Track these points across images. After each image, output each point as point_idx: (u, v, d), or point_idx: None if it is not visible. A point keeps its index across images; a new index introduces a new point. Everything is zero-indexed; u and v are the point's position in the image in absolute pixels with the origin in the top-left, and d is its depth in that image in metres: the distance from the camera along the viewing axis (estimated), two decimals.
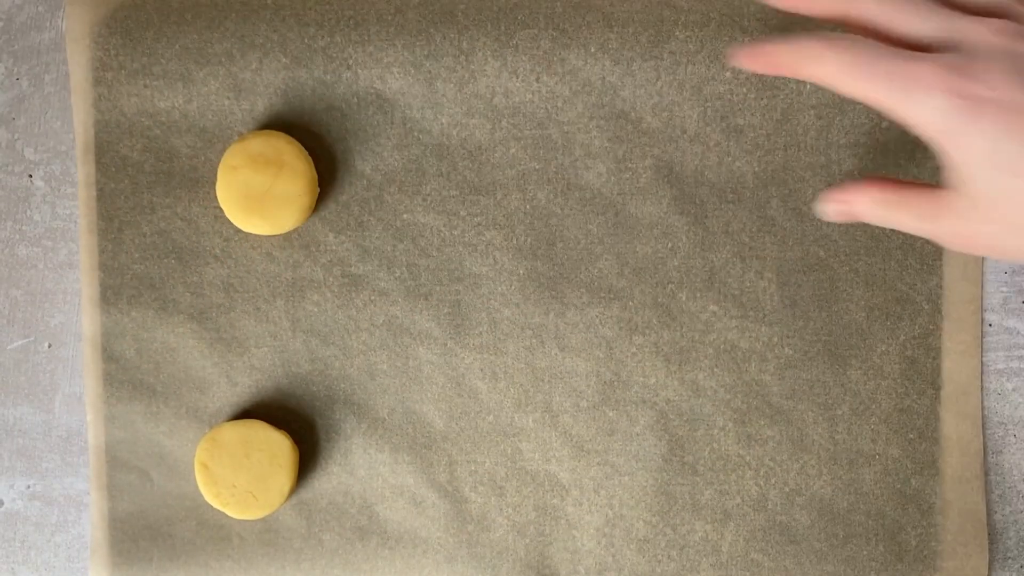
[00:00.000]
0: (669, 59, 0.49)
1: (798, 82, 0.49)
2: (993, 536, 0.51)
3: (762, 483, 0.50)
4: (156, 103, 0.49)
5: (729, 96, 0.49)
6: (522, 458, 0.50)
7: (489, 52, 0.49)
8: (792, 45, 0.37)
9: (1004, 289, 0.50)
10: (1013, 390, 0.51)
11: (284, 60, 0.49)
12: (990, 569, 0.51)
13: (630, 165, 0.49)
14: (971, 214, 0.36)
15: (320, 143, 0.50)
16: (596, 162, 0.49)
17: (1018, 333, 0.51)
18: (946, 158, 0.36)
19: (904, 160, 0.49)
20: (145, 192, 0.50)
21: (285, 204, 0.48)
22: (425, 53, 0.49)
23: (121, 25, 0.49)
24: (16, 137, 0.51)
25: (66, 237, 0.51)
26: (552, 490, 0.50)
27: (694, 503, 0.50)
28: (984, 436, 0.51)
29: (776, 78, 0.49)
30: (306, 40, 0.49)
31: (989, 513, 0.51)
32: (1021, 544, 0.51)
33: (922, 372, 0.50)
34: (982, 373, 0.50)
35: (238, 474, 0.49)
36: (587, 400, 0.50)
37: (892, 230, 0.49)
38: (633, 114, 0.49)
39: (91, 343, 0.50)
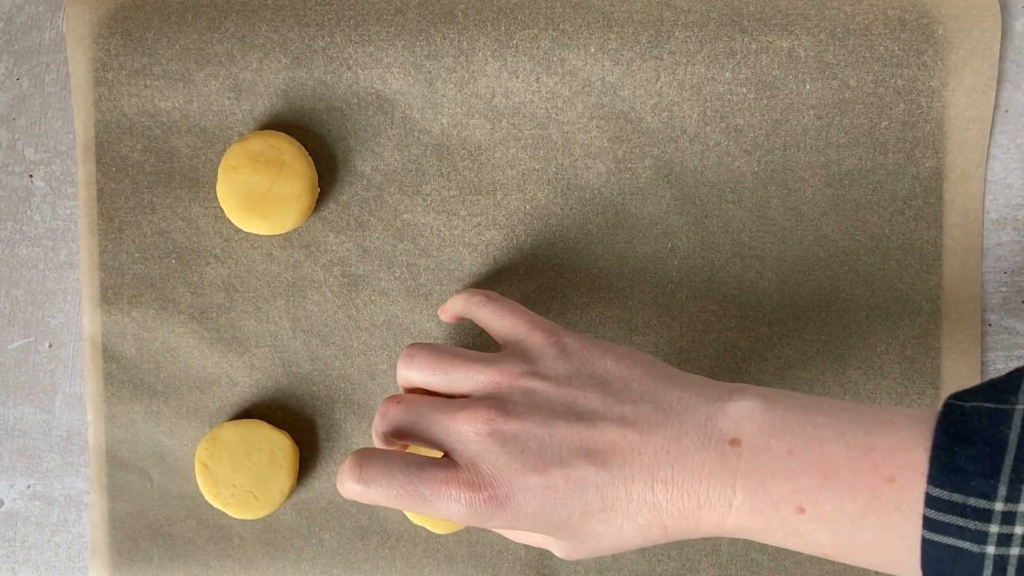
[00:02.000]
0: (669, 59, 0.49)
1: (798, 82, 0.49)
2: None
3: None
4: (157, 103, 0.49)
5: (729, 96, 0.49)
6: None
7: (489, 52, 0.49)
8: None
9: (1004, 289, 0.50)
10: None
11: (284, 60, 0.49)
12: None
13: (630, 165, 0.49)
14: (560, 545, 0.40)
15: (320, 143, 0.50)
16: (596, 162, 0.50)
17: (1018, 333, 0.51)
18: None
19: (903, 160, 0.49)
20: (145, 192, 0.50)
21: (285, 204, 0.48)
22: (425, 53, 0.49)
23: (121, 25, 0.49)
24: (16, 137, 0.51)
25: (66, 237, 0.51)
26: None
27: None
28: None
29: (775, 78, 0.49)
30: (306, 40, 0.49)
31: None
32: None
33: (922, 372, 0.50)
34: (982, 373, 0.50)
35: (238, 474, 0.49)
36: None
37: (892, 229, 0.49)
38: (633, 114, 0.49)
39: (91, 343, 0.50)
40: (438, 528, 0.49)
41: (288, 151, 0.48)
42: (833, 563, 0.50)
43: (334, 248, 0.50)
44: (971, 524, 0.32)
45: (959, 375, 0.50)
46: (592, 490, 0.38)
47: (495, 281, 0.50)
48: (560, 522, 0.38)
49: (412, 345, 0.42)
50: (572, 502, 0.38)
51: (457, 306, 0.46)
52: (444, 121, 0.49)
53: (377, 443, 0.42)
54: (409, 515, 0.49)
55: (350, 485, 0.39)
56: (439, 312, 0.48)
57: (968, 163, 0.49)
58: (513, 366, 0.40)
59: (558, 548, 0.40)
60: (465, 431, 0.38)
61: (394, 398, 0.41)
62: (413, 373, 0.42)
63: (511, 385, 0.39)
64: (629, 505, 0.37)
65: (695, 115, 0.49)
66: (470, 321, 0.49)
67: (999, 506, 0.32)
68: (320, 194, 0.50)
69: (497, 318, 0.43)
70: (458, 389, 0.41)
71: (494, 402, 0.39)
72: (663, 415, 0.38)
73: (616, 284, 0.50)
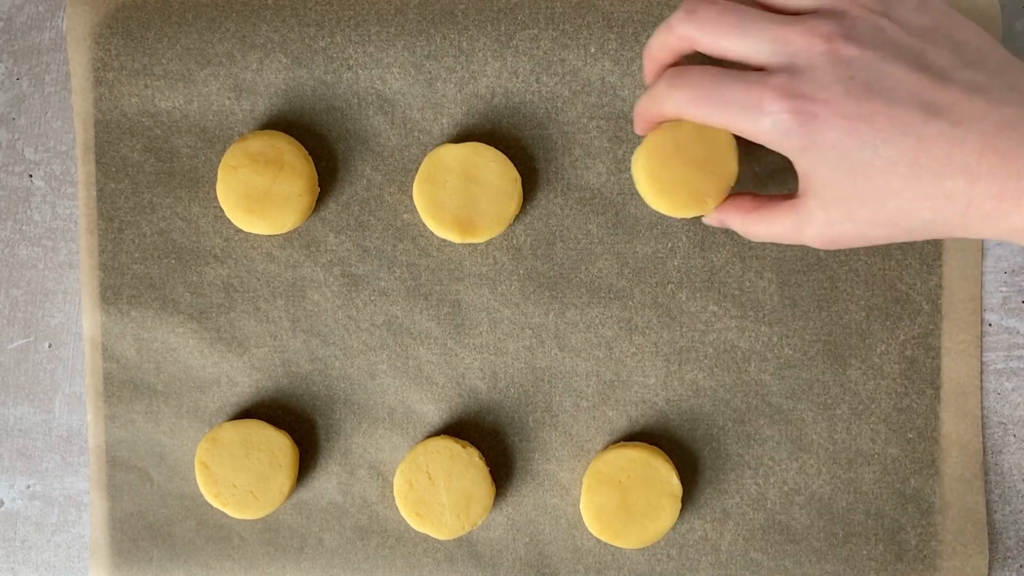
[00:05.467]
0: None
1: None
2: (993, 536, 0.51)
3: (761, 482, 0.50)
4: (157, 103, 0.49)
5: None
6: (522, 457, 0.50)
7: (489, 53, 0.49)
8: (647, 97, 0.39)
9: (1004, 289, 0.50)
10: (1013, 390, 0.51)
11: (285, 60, 0.49)
12: (990, 569, 0.51)
13: (630, 165, 0.49)
14: (828, 217, 0.38)
15: (320, 143, 0.50)
16: (596, 162, 0.50)
17: (1018, 333, 0.51)
18: (797, 168, 0.38)
19: None
20: (145, 192, 0.50)
21: (285, 204, 0.48)
22: (425, 54, 0.49)
23: (122, 25, 0.49)
24: (16, 137, 0.51)
25: (66, 237, 0.51)
26: (552, 489, 0.50)
27: (693, 502, 0.50)
28: (984, 436, 0.51)
29: None
30: (307, 41, 0.49)
31: (989, 513, 0.51)
32: (1021, 544, 0.51)
33: (922, 372, 0.50)
34: (982, 373, 0.50)
35: (238, 474, 0.49)
36: (587, 400, 0.50)
37: None
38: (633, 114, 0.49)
39: (91, 343, 0.50)
40: (440, 533, 0.49)
41: (288, 151, 0.48)
42: (834, 563, 0.50)
43: (334, 248, 0.50)
44: None
45: (959, 375, 0.50)
46: (912, 139, 0.35)
47: (495, 281, 0.50)
48: (855, 164, 0.36)
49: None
50: (883, 144, 0.35)
51: None
52: (444, 121, 0.49)
53: (655, 49, 0.40)
54: (411, 521, 0.49)
55: (661, 88, 0.38)
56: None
57: None
58: (868, 0, 0.37)
59: (821, 219, 0.38)
60: (796, 43, 0.36)
61: None
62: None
63: (859, 16, 0.37)
64: (946, 166, 0.35)
65: None
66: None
67: None
68: (320, 194, 0.50)
69: None
70: (796, 5, 0.38)
71: (838, 23, 0.36)
72: (1017, 95, 0.35)
73: (616, 284, 0.50)
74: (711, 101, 0.37)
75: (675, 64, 0.40)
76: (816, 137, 0.36)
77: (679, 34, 0.39)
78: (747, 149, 0.49)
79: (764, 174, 0.49)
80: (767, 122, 0.36)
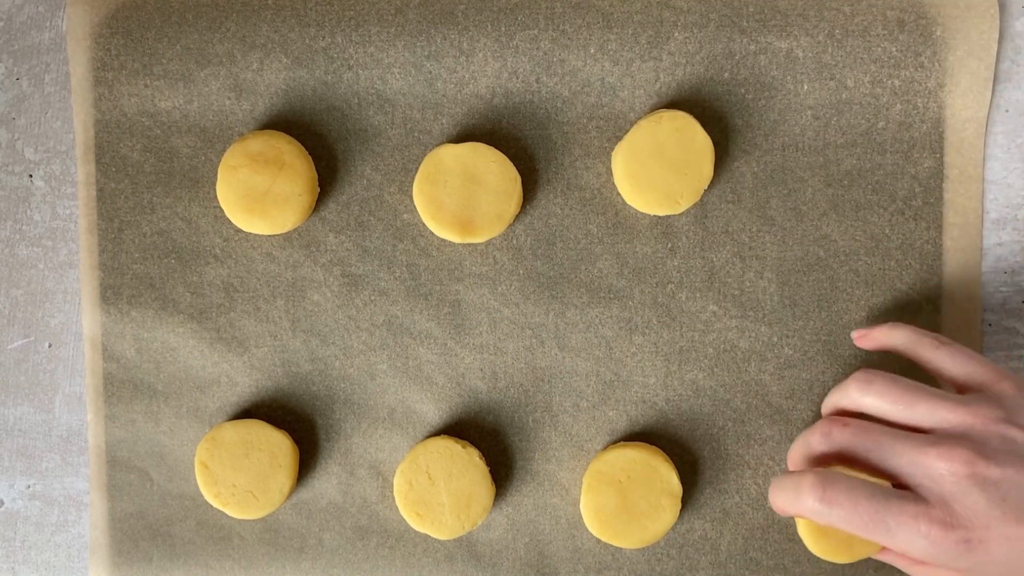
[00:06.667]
0: (668, 60, 0.49)
1: (795, 82, 0.49)
2: None
3: (761, 482, 0.50)
4: (157, 103, 0.49)
5: (727, 97, 0.49)
6: (522, 457, 0.50)
7: (489, 53, 0.49)
8: (800, 487, 0.40)
9: (1004, 289, 0.50)
10: None
11: (285, 60, 0.49)
12: None
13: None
14: None
15: (320, 143, 0.50)
16: (596, 162, 0.50)
17: (1018, 333, 0.51)
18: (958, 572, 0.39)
19: (902, 160, 0.49)
20: (145, 192, 0.50)
21: (285, 204, 0.48)
22: (425, 54, 0.49)
23: (122, 25, 0.49)
24: (16, 137, 0.51)
25: (66, 237, 0.51)
26: (552, 489, 0.50)
27: (693, 501, 0.50)
28: None
29: (773, 79, 0.49)
30: (307, 41, 0.49)
31: None
32: None
33: (922, 372, 0.50)
34: None
35: (238, 474, 0.49)
36: (587, 400, 0.50)
37: (892, 229, 0.50)
38: (632, 114, 0.49)
39: (91, 343, 0.50)
40: (440, 533, 0.49)
41: (288, 151, 0.48)
42: (832, 562, 0.50)
43: (334, 248, 0.50)
44: None
45: None
46: None
47: (495, 281, 0.50)
48: (1020, 571, 0.37)
49: (868, 371, 0.42)
50: None
51: (894, 340, 0.45)
52: (444, 121, 0.50)
53: (797, 461, 0.42)
54: (411, 521, 0.49)
55: (810, 503, 0.39)
56: (856, 337, 0.46)
57: (966, 163, 0.49)
58: (988, 410, 0.39)
59: None
60: (938, 468, 0.38)
61: (839, 420, 0.41)
62: (870, 400, 0.41)
63: (986, 429, 0.39)
64: None
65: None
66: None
67: None
68: (320, 194, 0.50)
69: (955, 363, 0.43)
70: (919, 424, 0.40)
71: (971, 444, 0.38)
72: None
73: (616, 284, 0.50)
74: (864, 520, 0.38)
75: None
76: (983, 558, 0.37)
77: (853, 401, 0.42)
78: (743, 149, 0.49)
79: (764, 173, 0.50)
80: (932, 551, 0.38)
